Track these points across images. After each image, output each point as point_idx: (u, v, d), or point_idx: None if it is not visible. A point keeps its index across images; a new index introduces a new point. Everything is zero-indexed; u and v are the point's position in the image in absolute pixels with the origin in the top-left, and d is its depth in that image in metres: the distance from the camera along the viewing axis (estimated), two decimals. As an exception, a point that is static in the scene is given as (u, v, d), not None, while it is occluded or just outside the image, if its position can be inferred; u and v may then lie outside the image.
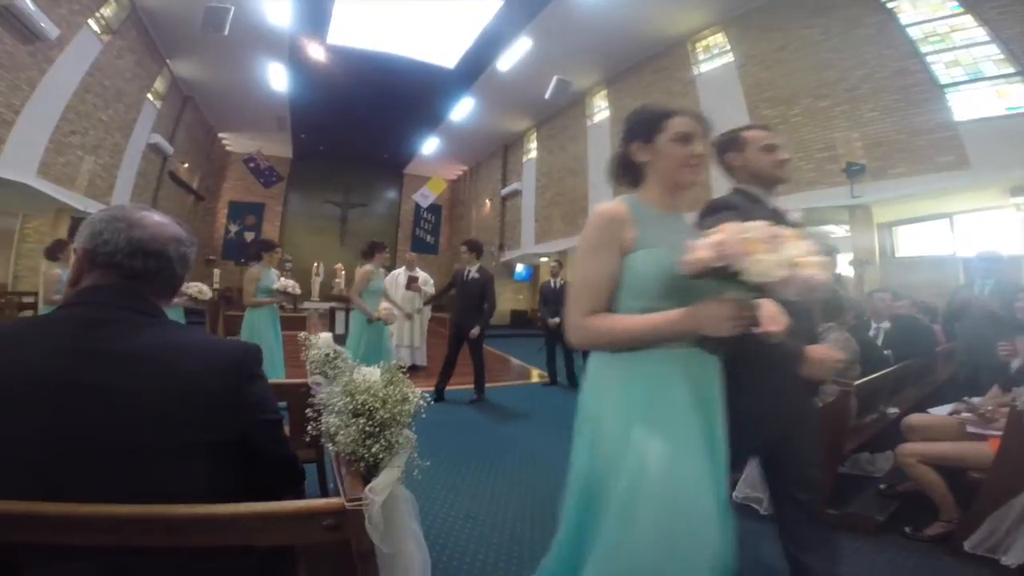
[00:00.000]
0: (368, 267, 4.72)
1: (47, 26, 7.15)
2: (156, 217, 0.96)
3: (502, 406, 5.23)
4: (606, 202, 1.21)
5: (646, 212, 1.23)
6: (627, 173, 1.35)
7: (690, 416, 1.12)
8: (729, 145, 1.72)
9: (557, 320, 6.29)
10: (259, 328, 4.35)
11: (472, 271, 5.21)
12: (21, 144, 7.53)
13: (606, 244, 1.18)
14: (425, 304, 6.50)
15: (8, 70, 7.04)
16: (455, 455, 3.58)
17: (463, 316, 5.17)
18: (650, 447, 1.06)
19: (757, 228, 0.99)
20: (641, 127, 1.29)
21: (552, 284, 6.62)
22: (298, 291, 4.55)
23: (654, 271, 1.14)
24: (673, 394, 1.12)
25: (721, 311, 1.02)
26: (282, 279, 4.49)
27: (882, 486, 2.84)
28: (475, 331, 5.07)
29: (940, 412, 2.82)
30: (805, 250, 0.97)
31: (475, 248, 5.31)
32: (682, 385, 1.13)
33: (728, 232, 0.98)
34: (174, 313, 4.13)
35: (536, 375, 7.32)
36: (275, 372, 4.24)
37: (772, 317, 1.02)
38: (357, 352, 4.48)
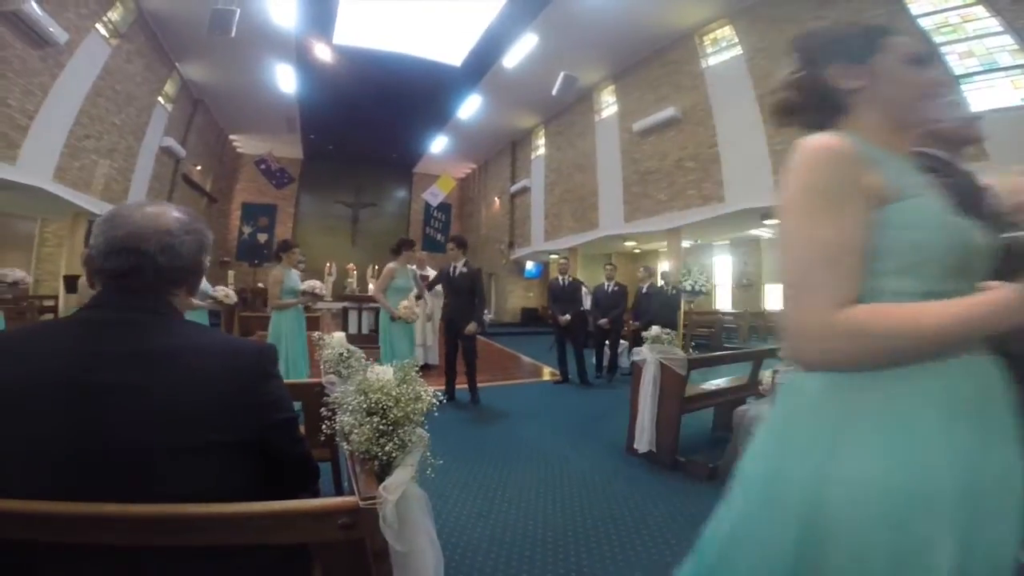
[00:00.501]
0: (392, 264, 4.68)
1: (55, 31, 7.27)
2: (148, 210, 0.92)
3: (513, 404, 5.22)
4: (816, 136, 0.76)
5: (876, 153, 0.77)
6: (814, 107, 0.90)
7: (1007, 457, 0.69)
8: None
9: (568, 317, 6.29)
10: (286, 330, 4.27)
11: (459, 266, 5.07)
12: (37, 149, 7.68)
13: (847, 192, 0.72)
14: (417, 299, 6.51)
15: (20, 75, 7.17)
16: (467, 453, 3.58)
17: (455, 312, 5.04)
18: (960, 514, 0.65)
19: None
20: (847, 45, 0.88)
21: (560, 281, 6.63)
22: (324, 292, 4.50)
23: (938, 230, 0.72)
24: (981, 426, 0.69)
25: None
26: (309, 280, 4.48)
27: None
28: (471, 327, 4.92)
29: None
30: None
31: (461, 244, 5.20)
32: (986, 412, 0.70)
33: None
34: (198, 316, 4.10)
35: (547, 373, 7.31)
36: (299, 373, 4.21)
37: None
38: (386, 351, 4.50)
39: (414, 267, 6.67)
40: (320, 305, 6.97)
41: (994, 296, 0.66)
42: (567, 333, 6.44)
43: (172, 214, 0.94)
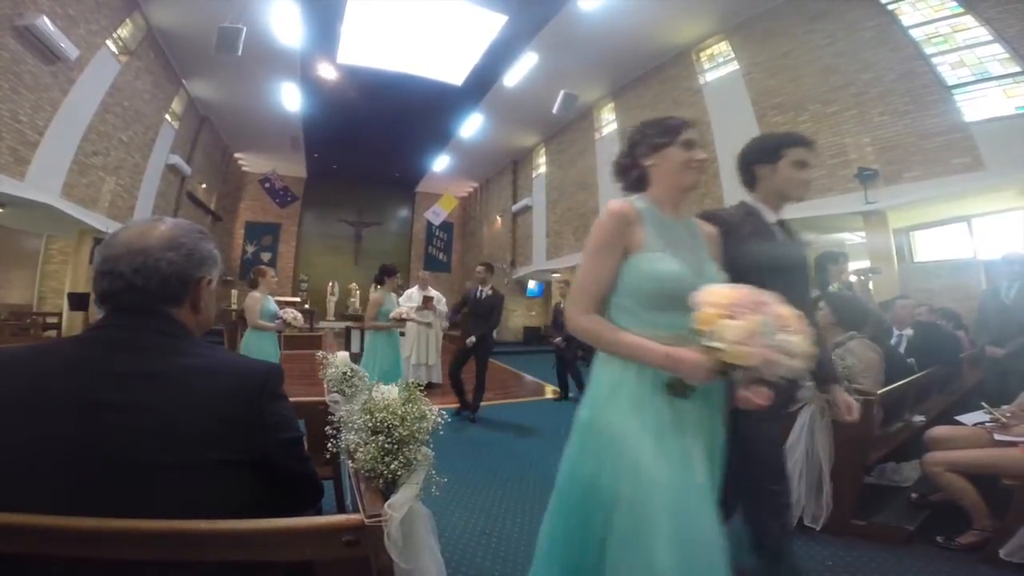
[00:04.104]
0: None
1: (67, 46, 7.37)
2: (136, 229, 0.93)
3: (516, 423, 5.21)
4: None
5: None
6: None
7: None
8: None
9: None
10: (380, 347, 4.59)
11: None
12: (45, 165, 7.73)
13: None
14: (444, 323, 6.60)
15: (31, 90, 7.24)
16: (470, 472, 3.57)
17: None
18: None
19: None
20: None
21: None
22: (411, 315, 4.81)
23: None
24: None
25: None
26: (399, 308, 4.73)
27: (913, 495, 2.76)
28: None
29: (968, 419, 2.74)
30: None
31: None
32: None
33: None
34: (268, 338, 4.38)
35: (550, 391, 7.28)
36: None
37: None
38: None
39: (415, 288, 6.78)
40: (322, 324, 7.08)
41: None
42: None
43: (158, 231, 0.92)
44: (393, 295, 4.81)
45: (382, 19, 9.49)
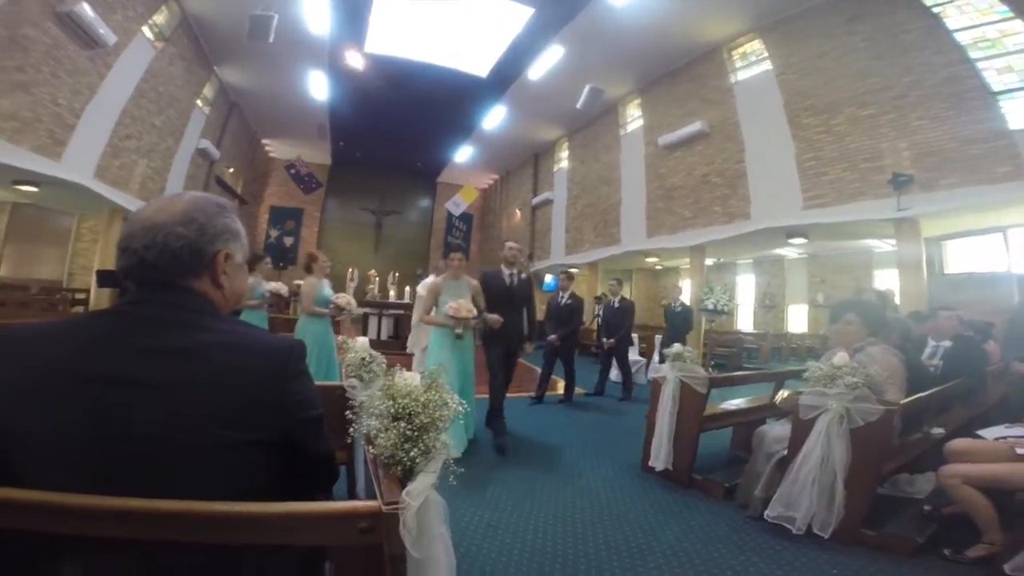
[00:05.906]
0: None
1: (105, 32, 7.56)
2: (156, 205, 0.92)
3: (528, 417, 5.23)
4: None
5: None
6: None
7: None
8: None
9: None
10: (434, 344, 4.06)
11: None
12: (81, 147, 7.99)
13: None
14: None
15: (71, 75, 7.48)
16: (480, 464, 3.59)
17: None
18: None
19: None
20: None
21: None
22: (471, 313, 3.92)
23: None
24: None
25: None
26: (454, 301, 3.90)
27: (927, 508, 2.72)
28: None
29: (989, 433, 2.68)
30: None
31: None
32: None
33: None
34: (323, 323, 4.26)
35: (562, 386, 7.26)
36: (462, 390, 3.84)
37: None
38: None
39: (432, 276, 5.83)
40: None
41: None
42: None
43: (174, 207, 0.91)
44: (465, 280, 3.98)
45: (410, 8, 9.50)
